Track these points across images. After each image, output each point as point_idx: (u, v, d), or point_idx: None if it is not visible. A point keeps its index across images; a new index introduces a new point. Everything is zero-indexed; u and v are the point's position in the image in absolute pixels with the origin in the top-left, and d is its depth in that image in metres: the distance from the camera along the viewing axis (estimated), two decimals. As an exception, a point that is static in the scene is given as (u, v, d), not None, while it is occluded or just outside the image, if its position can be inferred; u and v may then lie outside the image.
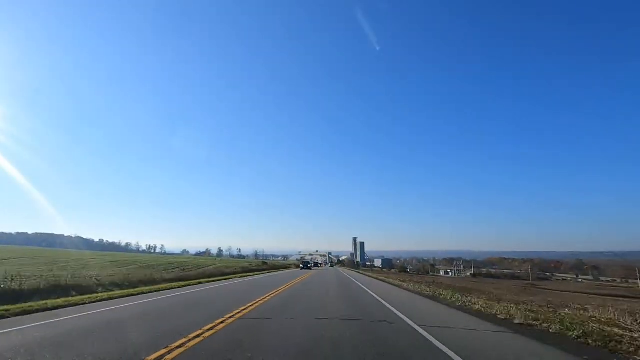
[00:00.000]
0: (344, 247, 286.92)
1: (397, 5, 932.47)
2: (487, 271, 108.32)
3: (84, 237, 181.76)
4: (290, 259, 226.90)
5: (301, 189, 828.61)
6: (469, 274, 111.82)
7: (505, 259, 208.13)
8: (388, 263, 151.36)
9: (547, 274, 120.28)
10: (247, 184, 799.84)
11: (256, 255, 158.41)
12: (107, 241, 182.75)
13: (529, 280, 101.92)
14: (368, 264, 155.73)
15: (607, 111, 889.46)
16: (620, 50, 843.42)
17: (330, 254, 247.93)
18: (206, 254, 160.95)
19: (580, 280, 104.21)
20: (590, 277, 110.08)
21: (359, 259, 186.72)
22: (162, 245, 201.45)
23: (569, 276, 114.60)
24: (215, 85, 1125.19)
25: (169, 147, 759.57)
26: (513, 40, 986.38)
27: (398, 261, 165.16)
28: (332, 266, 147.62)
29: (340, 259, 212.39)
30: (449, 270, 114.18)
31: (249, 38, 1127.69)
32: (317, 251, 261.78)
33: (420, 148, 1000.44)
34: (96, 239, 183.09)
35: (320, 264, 70.01)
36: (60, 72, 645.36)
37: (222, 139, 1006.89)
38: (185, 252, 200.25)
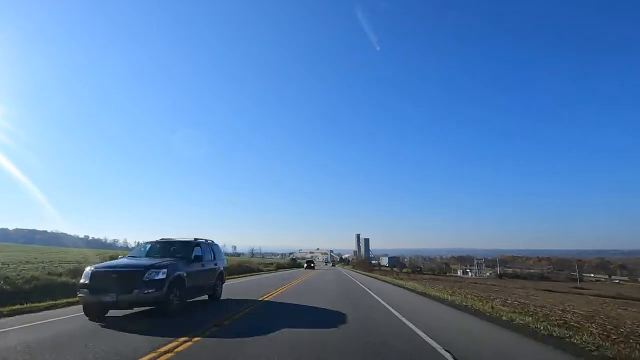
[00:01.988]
0: (346, 245, 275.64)
1: (396, 6, 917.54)
2: (513, 271, 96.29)
3: (69, 233, 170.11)
4: (289, 257, 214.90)
5: (301, 186, 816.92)
6: (488, 274, 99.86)
7: (517, 257, 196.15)
8: (395, 261, 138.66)
9: (573, 274, 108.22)
10: (246, 181, 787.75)
11: (252, 253, 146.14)
12: (92, 237, 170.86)
13: (556, 280, 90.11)
14: (374, 262, 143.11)
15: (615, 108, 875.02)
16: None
17: (331, 251, 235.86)
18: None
19: (617, 281, 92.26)
20: (626, 278, 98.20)
21: (363, 257, 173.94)
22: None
23: (600, 276, 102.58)
24: (215, 85, 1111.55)
25: (164, 145, 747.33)
26: (515, 38, 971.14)
27: (405, 260, 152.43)
28: (334, 265, 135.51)
29: (343, 257, 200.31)
30: (467, 270, 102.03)
31: (249, 38, 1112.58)
32: (317, 249, 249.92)
33: (420, 145, 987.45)
34: (81, 235, 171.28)
35: (313, 265, 53.10)
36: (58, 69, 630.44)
37: (220, 137, 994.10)
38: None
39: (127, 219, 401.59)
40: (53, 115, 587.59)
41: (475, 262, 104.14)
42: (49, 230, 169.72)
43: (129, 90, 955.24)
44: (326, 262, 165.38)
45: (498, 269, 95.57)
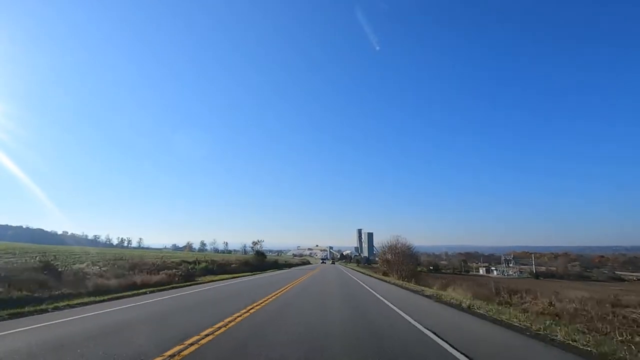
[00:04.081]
0: (346, 242, 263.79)
1: (396, 6, 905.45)
2: (547, 269, 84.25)
3: (46, 229, 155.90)
4: (287, 254, 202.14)
5: (300, 183, 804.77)
6: (512, 272, 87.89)
7: (529, 253, 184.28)
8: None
9: (605, 272, 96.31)
10: (245, 177, 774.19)
11: (245, 250, 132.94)
12: (71, 233, 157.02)
13: (597, 279, 78.19)
14: (377, 259, 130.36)
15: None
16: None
17: (331, 248, 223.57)
18: (186, 248, 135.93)
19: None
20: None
21: (366, 254, 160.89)
22: (140, 239, 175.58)
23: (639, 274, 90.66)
24: (216, 82, 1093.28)
25: (163, 143, 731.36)
26: (522, 32, 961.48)
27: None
28: (334, 263, 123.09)
29: (344, 253, 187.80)
30: (492, 268, 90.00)
31: (251, 38, 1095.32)
32: (317, 245, 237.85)
33: (421, 143, 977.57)
34: (59, 231, 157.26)
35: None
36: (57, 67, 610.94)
37: (219, 135, 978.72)
38: (175, 246, 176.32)
39: (110, 215, 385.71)
40: (53, 112, 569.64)
41: (503, 259, 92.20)
42: (24, 226, 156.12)
43: (129, 88, 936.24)
44: (324, 260, 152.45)
45: (534, 268, 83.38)
